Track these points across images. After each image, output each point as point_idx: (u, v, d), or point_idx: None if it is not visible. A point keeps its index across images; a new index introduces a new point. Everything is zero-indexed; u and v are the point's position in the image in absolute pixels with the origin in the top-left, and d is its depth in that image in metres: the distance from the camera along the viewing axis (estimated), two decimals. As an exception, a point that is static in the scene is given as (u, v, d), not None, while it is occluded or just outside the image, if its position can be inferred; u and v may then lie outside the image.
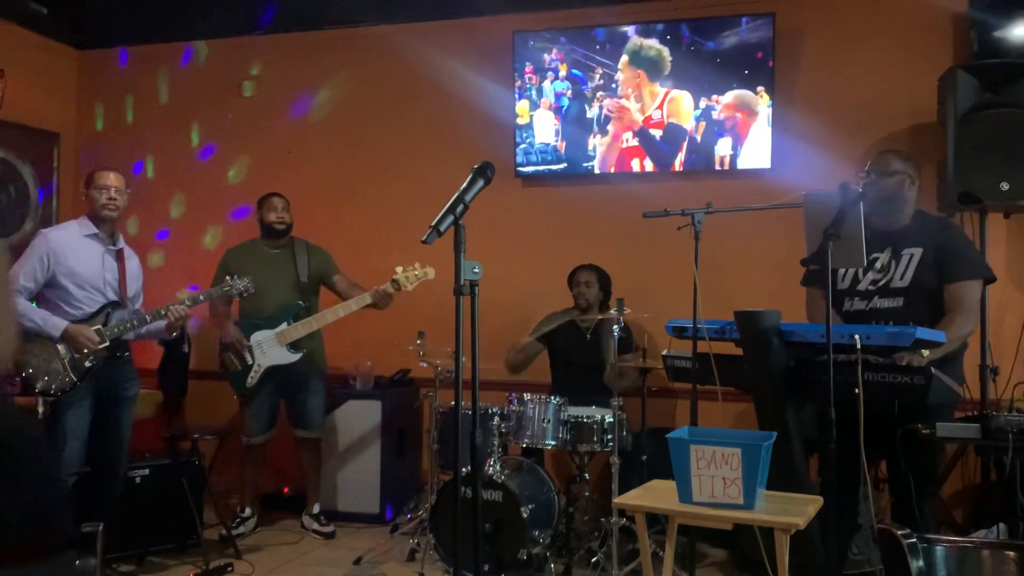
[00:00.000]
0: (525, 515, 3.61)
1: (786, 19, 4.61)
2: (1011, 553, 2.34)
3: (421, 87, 5.25)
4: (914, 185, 3.32)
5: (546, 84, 4.96)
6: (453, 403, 3.90)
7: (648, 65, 4.80)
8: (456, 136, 5.14)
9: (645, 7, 4.86)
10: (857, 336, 2.68)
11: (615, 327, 3.70)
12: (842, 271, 3.33)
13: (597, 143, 4.89)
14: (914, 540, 2.18)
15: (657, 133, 4.81)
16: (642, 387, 3.88)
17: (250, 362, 4.36)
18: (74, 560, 1.29)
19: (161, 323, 3.76)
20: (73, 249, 3.64)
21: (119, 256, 3.79)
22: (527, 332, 4.66)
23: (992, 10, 4.05)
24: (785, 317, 3.01)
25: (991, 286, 3.57)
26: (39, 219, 5.47)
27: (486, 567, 3.60)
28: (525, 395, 3.89)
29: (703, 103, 4.72)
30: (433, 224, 2.15)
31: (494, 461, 3.83)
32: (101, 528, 1.29)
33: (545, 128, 4.97)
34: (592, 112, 4.89)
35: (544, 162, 4.98)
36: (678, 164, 4.79)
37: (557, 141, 4.96)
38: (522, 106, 4.99)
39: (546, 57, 4.95)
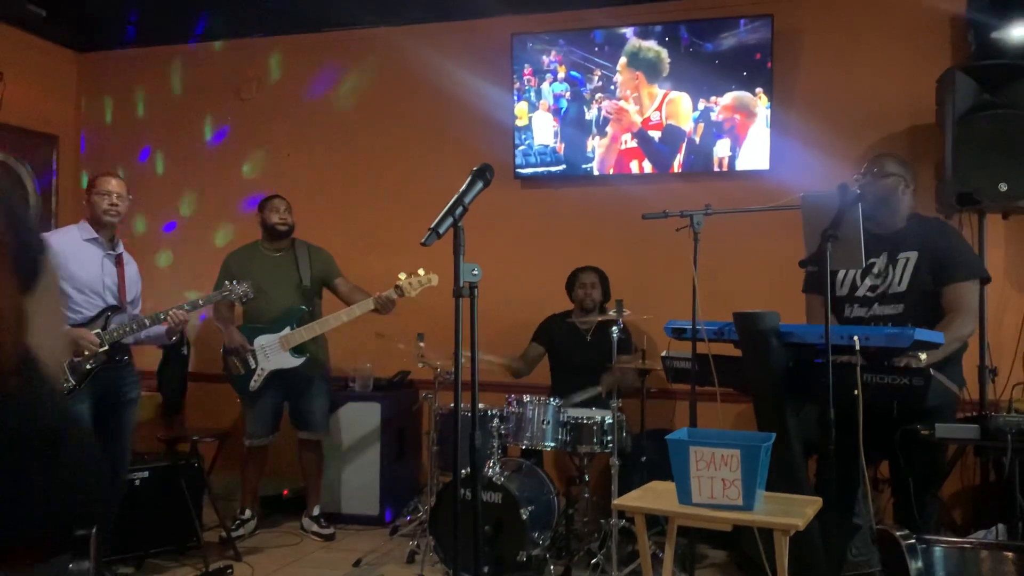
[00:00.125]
0: (525, 517, 3.61)
1: (784, 20, 4.62)
2: (1010, 554, 2.34)
3: (420, 89, 5.25)
4: (908, 188, 3.33)
5: (545, 86, 4.96)
6: (452, 405, 3.90)
7: (647, 67, 4.80)
8: (455, 138, 5.15)
9: (643, 9, 4.86)
10: (856, 337, 2.69)
11: (614, 328, 3.70)
12: (840, 277, 3.34)
13: (596, 145, 4.90)
14: (913, 541, 2.19)
15: (656, 135, 4.81)
16: (641, 388, 3.88)
17: (253, 366, 4.36)
18: (68, 563, 1.29)
19: (161, 328, 3.77)
20: (73, 253, 3.64)
21: (118, 261, 3.79)
22: (527, 336, 4.67)
23: (990, 11, 4.04)
24: (784, 318, 3.01)
25: (990, 287, 3.58)
26: (38, 222, 5.47)
27: (486, 569, 3.60)
28: (524, 397, 3.89)
29: (702, 105, 4.72)
30: (432, 226, 2.16)
31: (494, 463, 3.83)
32: (95, 531, 1.29)
33: (544, 130, 4.97)
34: (591, 114, 4.90)
35: (543, 164, 4.99)
36: (677, 165, 4.79)
37: (556, 143, 4.96)
38: (521, 108, 4.99)
39: (545, 59, 4.96)
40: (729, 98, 4.68)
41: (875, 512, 3.18)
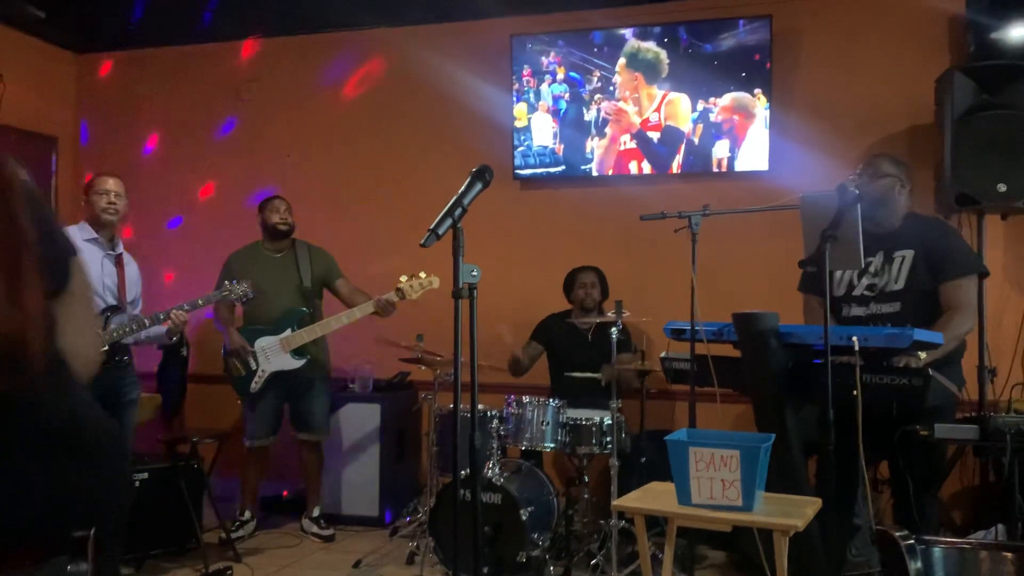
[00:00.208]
0: (524, 517, 3.61)
1: (783, 21, 4.62)
2: (1009, 554, 2.34)
3: (419, 90, 5.26)
4: (904, 189, 3.33)
5: (544, 87, 4.96)
6: (452, 406, 3.90)
7: (646, 68, 4.81)
8: (454, 139, 5.15)
9: (642, 10, 4.86)
10: (855, 338, 2.69)
11: (613, 329, 3.70)
12: (836, 277, 3.34)
13: (595, 146, 4.90)
14: (912, 541, 2.19)
15: (655, 135, 4.81)
16: (641, 389, 3.88)
17: (254, 367, 4.36)
18: (65, 565, 1.29)
19: (161, 328, 3.77)
20: (72, 253, 3.64)
21: (118, 261, 3.79)
22: (525, 338, 4.67)
23: (989, 12, 4.05)
24: (783, 319, 3.01)
25: (990, 288, 3.58)
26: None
27: (485, 570, 3.60)
28: (524, 398, 3.89)
29: (700, 105, 4.73)
30: (431, 227, 2.15)
31: (493, 464, 3.83)
32: (93, 532, 1.29)
33: (543, 131, 4.98)
34: (590, 115, 4.90)
35: (542, 165, 4.99)
36: (676, 166, 4.80)
37: (555, 144, 4.96)
38: (520, 109, 4.99)
39: (544, 60, 4.96)
40: (728, 99, 4.68)
41: (874, 512, 3.18)
